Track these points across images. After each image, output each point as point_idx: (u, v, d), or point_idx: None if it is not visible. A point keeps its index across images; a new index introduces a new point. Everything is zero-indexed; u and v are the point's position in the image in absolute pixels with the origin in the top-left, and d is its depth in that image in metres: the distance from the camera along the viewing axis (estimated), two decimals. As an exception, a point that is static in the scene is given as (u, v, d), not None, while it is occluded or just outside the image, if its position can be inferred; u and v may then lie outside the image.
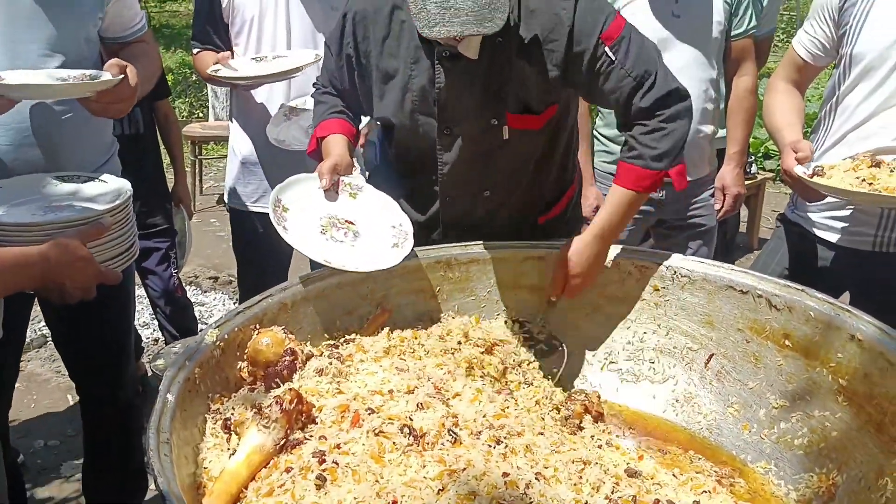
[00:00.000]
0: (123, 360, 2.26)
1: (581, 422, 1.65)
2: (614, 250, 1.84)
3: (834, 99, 2.01)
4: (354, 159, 1.79)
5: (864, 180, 1.71)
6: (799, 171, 1.82)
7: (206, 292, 4.37)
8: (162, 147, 3.22)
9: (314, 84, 2.03)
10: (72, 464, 2.85)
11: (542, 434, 1.35)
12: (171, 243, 3.09)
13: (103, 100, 1.71)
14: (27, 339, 2.97)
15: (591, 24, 1.69)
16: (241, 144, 2.65)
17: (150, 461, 1.08)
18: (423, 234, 1.95)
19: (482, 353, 1.79)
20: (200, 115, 8.50)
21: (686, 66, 2.62)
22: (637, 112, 1.72)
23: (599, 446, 1.54)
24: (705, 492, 1.42)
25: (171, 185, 3.30)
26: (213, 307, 4.18)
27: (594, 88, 1.75)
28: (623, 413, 1.78)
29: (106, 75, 1.70)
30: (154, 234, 3.01)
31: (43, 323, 3.48)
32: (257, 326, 1.48)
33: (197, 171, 6.04)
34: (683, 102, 1.76)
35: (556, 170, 1.97)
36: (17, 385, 2.33)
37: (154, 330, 3.72)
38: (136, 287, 2.56)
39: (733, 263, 4.27)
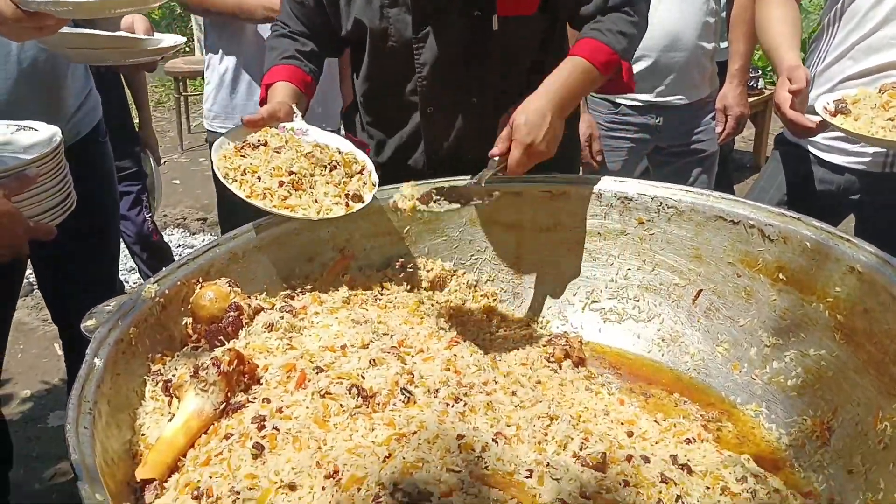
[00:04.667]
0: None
1: (561, 367, 1.56)
2: (596, 181, 1.71)
3: (839, 5, 1.82)
4: (294, 105, 1.62)
5: None
6: (819, 107, 1.65)
7: (194, 234, 4.28)
8: None
9: (272, 26, 1.85)
10: (59, 413, 2.82)
11: (514, 394, 1.25)
12: (141, 186, 2.97)
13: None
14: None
15: None
16: (221, 65, 2.52)
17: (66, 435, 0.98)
18: (402, 158, 1.80)
19: (461, 302, 1.70)
20: (187, 49, 8.24)
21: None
22: (616, 2, 1.62)
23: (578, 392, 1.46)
24: (688, 439, 1.34)
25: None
26: (203, 249, 4.09)
27: None
28: (606, 354, 1.68)
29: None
30: (123, 178, 2.88)
31: (30, 270, 3.42)
32: (200, 280, 1.37)
33: (183, 108, 5.86)
34: (647, 4, 1.67)
35: (546, 71, 1.79)
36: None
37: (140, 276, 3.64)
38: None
39: (733, 186, 4.14)
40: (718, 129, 2.81)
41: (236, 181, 1.44)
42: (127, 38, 1.79)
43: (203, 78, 2.64)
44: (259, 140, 1.51)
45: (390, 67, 1.72)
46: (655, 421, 1.41)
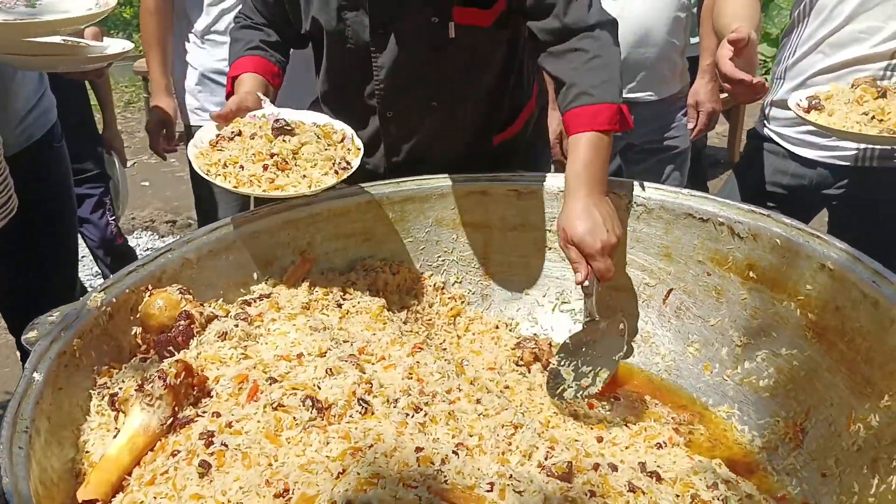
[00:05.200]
0: None
1: (530, 371, 1.52)
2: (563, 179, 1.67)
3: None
4: (259, 94, 1.58)
5: (873, 117, 1.53)
6: (792, 103, 1.62)
7: (163, 237, 4.18)
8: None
9: (235, 18, 1.80)
10: (20, 425, 2.72)
11: (479, 402, 1.20)
12: (104, 189, 2.88)
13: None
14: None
15: None
16: (199, 59, 2.42)
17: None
18: (361, 162, 1.76)
19: (428, 305, 1.65)
20: (159, 48, 8.10)
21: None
22: (576, 24, 1.50)
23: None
24: (659, 444, 1.30)
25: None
26: (172, 252, 4.00)
27: None
28: (577, 356, 1.64)
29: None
30: (85, 181, 2.79)
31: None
32: (150, 287, 1.31)
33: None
34: (616, 30, 1.56)
35: (511, 79, 1.76)
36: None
37: (106, 280, 3.56)
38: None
39: (708, 182, 4.11)
40: (690, 126, 2.78)
41: (220, 175, 1.41)
42: (65, 45, 1.70)
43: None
44: (233, 131, 1.48)
45: (348, 69, 1.68)
46: (626, 425, 1.38)
